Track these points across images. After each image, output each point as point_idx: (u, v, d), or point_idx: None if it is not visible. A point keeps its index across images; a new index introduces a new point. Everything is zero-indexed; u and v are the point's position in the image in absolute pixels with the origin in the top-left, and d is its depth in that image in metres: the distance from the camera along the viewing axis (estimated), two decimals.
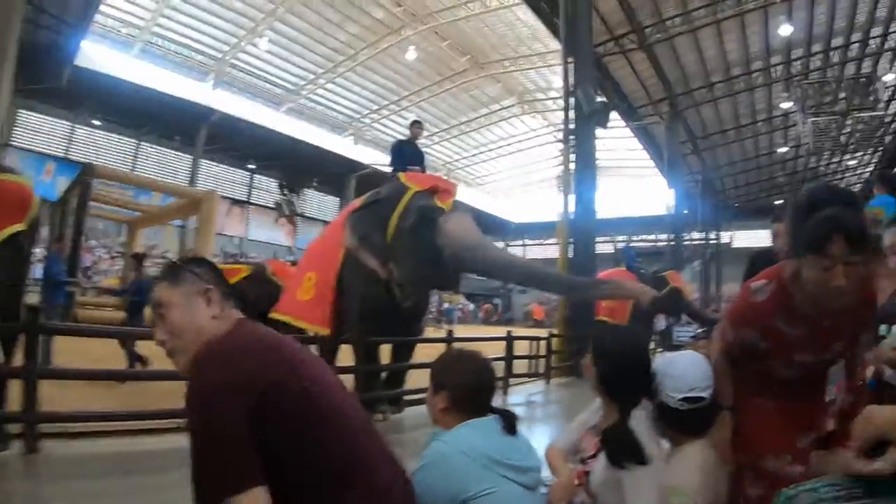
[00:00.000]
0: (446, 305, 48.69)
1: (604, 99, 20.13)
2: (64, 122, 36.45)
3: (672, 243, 31.62)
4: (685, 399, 2.60)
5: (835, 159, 40.48)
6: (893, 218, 3.59)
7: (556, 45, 20.83)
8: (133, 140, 39.39)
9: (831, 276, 2.23)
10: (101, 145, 38.76)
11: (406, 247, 7.75)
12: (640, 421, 2.61)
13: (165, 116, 35.91)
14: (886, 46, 28.65)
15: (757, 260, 4.26)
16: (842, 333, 2.47)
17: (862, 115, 25.00)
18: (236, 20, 39.06)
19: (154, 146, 40.33)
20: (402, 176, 8.51)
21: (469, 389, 2.48)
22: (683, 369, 2.69)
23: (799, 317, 2.43)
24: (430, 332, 26.97)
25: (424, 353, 8.50)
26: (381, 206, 8.16)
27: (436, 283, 8.87)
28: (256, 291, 8.99)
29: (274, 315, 9.38)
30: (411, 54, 41.68)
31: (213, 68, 42.24)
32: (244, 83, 44.58)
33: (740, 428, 2.70)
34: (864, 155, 35.81)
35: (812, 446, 2.63)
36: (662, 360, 2.84)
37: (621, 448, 2.54)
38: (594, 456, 2.70)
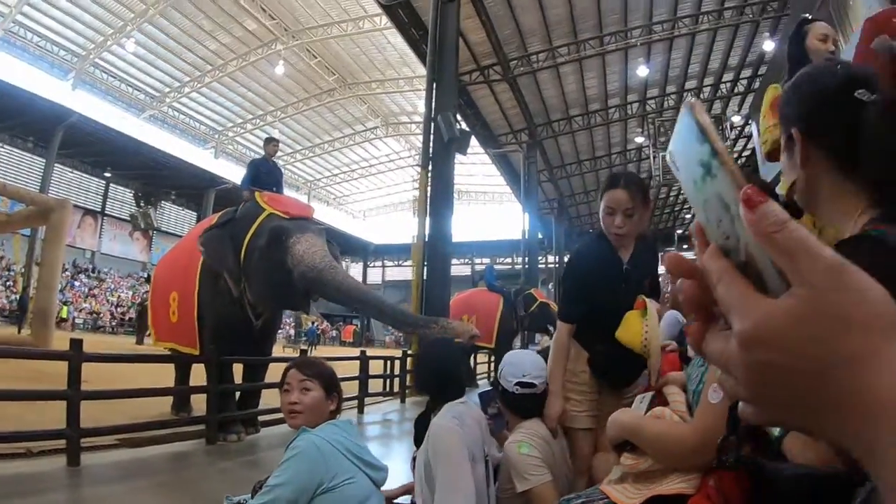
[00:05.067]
0: (312, 325, 48.18)
1: (465, 127, 20.51)
2: None
3: (527, 266, 32.41)
4: (519, 384, 3.33)
5: (683, 191, 42.63)
6: None
7: (423, 70, 21.18)
8: None
9: None
10: None
11: (257, 266, 7.79)
12: (443, 415, 3.07)
13: (21, 115, 33.39)
14: (736, 91, 30.73)
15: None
16: None
17: None
18: (105, 17, 37.83)
19: (6, 146, 37.97)
20: (258, 196, 8.49)
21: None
22: (520, 360, 3.49)
23: None
24: (287, 352, 26.73)
25: (278, 374, 8.49)
26: (236, 226, 8.14)
27: (286, 304, 8.80)
28: None
29: (159, 345, 9.26)
30: (280, 69, 41.44)
31: (75, 66, 40.73)
32: (106, 85, 43.24)
33: None
34: None
35: None
36: (506, 356, 3.65)
37: (420, 431, 3.17)
38: None
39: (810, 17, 3.31)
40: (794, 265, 0.52)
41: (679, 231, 48.87)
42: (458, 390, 3.29)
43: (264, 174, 9.23)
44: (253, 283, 7.90)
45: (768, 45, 25.24)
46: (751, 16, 24.85)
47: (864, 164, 1.47)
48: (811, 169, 1.58)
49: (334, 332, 56.09)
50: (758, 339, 0.53)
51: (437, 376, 3.32)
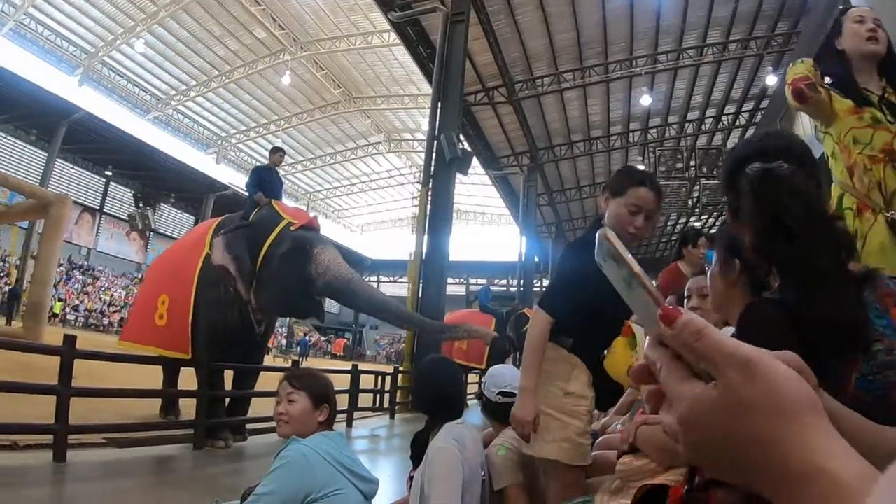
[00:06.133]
0: (305, 337, 48.02)
1: (467, 147, 20.62)
2: None
3: (522, 288, 32.44)
4: (501, 393, 3.56)
5: (681, 220, 42.59)
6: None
7: (429, 88, 21.27)
8: None
9: None
10: None
11: (276, 273, 7.83)
12: (443, 436, 3.15)
13: (26, 107, 33.03)
14: (737, 123, 30.83)
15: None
16: None
17: (709, 182, 26.58)
18: (116, 16, 37.83)
19: (9, 137, 37.58)
20: (275, 204, 8.58)
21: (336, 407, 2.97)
22: (500, 373, 3.73)
23: None
24: (277, 362, 26.60)
25: (267, 382, 8.50)
26: (254, 231, 8.17)
27: (300, 311, 8.88)
28: None
29: (125, 343, 9.15)
30: (286, 79, 41.45)
31: (83, 62, 40.64)
32: (113, 84, 43.13)
33: None
34: (708, 218, 37.88)
35: None
36: (489, 371, 3.90)
37: (418, 450, 3.26)
38: None
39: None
40: (712, 366, 0.61)
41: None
42: (458, 410, 3.40)
43: (267, 182, 9.24)
44: (268, 288, 7.96)
45: (771, 80, 25.35)
46: (755, 50, 24.99)
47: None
48: (734, 227, 1.82)
49: (328, 345, 55.85)
50: (689, 421, 0.62)
51: (437, 396, 3.39)
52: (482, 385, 3.74)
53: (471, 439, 3.21)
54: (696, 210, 30.43)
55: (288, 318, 46.14)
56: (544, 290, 3.94)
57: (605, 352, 3.17)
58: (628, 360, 2.97)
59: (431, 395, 3.41)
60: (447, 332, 8.42)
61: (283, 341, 47.10)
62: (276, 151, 9.83)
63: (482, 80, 25.97)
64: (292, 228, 8.12)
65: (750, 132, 29.67)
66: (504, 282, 52.42)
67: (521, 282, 32.53)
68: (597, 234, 0.71)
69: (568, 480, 3.12)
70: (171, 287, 8.57)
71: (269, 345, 38.93)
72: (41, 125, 36.03)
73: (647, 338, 0.70)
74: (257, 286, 8.00)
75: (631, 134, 32.11)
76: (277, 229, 8.05)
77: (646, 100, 27.90)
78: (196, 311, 8.15)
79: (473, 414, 9.54)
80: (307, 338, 48.28)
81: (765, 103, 27.34)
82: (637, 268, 0.66)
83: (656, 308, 0.64)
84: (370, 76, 43.39)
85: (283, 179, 10.15)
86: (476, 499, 3.07)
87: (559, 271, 3.57)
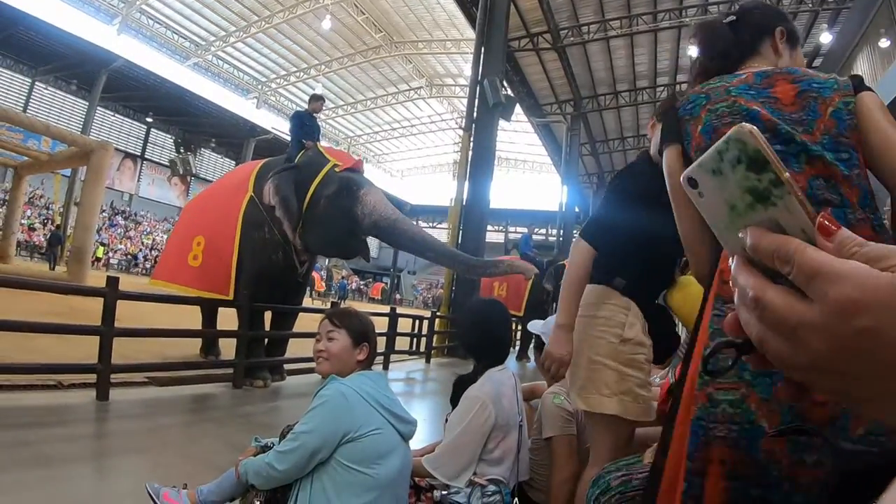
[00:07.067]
0: (343, 280, 48.48)
1: (510, 93, 20.40)
2: None
3: (562, 238, 32.25)
4: None
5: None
6: None
7: (471, 33, 21.03)
8: (27, 79, 37.35)
9: None
10: None
11: (323, 213, 7.92)
12: (480, 384, 3.16)
13: (65, 57, 33.88)
14: None
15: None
16: None
17: None
18: None
19: (50, 88, 38.12)
20: (321, 147, 8.63)
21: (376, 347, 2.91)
22: None
23: None
24: (316, 304, 26.84)
25: (306, 324, 8.56)
26: (300, 173, 8.21)
27: (346, 251, 8.96)
28: None
29: (156, 282, 9.21)
30: (327, 23, 41.25)
31: (120, 11, 40.81)
32: (152, 31, 43.26)
33: None
34: None
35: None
36: (548, 320, 3.68)
37: (457, 392, 3.23)
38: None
39: None
40: (888, 261, 0.52)
41: None
42: (504, 354, 3.36)
43: (308, 127, 9.27)
44: (314, 229, 8.07)
45: (825, 38, 24.58)
46: (810, 5, 24.25)
47: None
48: None
49: (366, 289, 56.27)
50: (862, 304, 0.50)
51: (488, 338, 3.34)
52: (545, 334, 3.54)
53: (509, 387, 3.20)
54: None
55: (327, 262, 46.68)
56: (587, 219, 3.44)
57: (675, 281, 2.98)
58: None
59: (482, 337, 3.35)
60: (490, 268, 8.54)
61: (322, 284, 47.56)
62: (318, 99, 9.82)
63: (526, 25, 25.58)
64: (337, 170, 8.15)
65: None
66: (543, 231, 52.18)
67: (561, 232, 32.28)
68: (730, 132, 0.56)
69: (621, 438, 2.86)
70: (208, 228, 8.59)
71: (317, 289, 39.69)
72: (81, 75, 36.60)
73: (749, 232, 0.58)
74: (304, 227, 8.07)
75: (678, 86, 31.48)
76: (324, 171, 8.10)
77: (695, 51, 27.33)
78: (240, 252, 8.19)
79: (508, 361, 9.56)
80: (345, 281, 48.65)
81: (818, 62, 26.61)
82: (787, 175, 0.55)
83: (807, 220, 0.55)
84: (412, 20, 43.00)
85: (324, 124, 10.16)
86: (513, 445, 3.07)
87: (607, 198, 3.17)
